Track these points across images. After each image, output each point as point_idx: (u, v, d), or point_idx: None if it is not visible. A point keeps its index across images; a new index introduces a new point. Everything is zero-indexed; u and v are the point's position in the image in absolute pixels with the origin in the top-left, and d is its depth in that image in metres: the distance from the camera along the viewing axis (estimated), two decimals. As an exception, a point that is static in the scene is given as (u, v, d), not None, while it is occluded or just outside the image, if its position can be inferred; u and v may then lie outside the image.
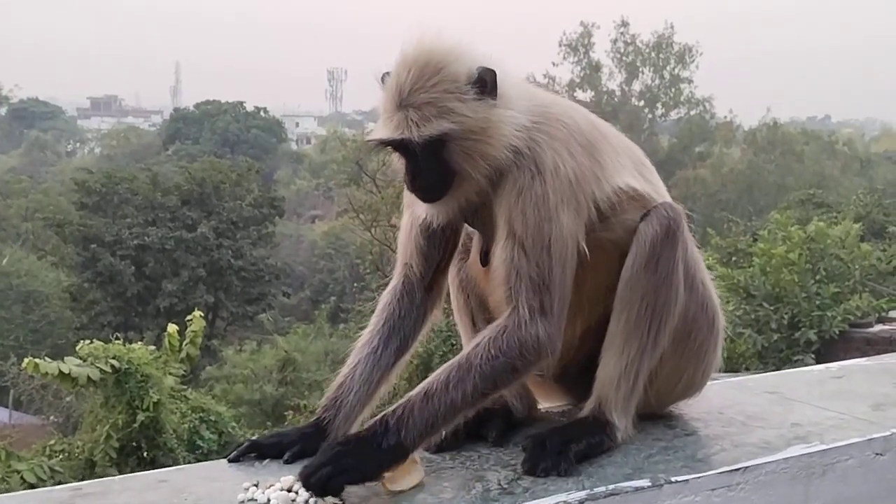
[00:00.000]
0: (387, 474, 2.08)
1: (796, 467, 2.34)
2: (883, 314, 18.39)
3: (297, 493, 2.05)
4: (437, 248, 2.45)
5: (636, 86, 52.94)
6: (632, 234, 2.37)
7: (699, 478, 2.20)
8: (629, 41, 52.23)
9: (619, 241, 2.37)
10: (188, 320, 18.41)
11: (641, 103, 52.94)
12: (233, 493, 2.06)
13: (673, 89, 52.98)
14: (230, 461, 2.28)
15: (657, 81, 52.99)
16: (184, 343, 18.26)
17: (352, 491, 2.04)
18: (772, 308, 17.67)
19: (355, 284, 32.31)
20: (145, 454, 15.96)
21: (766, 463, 2.29)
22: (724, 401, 2.73)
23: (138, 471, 15.09)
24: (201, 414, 19.38)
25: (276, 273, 38.13)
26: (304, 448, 2.28)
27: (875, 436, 2.48)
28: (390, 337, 2.44)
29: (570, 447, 2.23)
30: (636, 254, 2.34)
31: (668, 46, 52.32)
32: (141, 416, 15.63)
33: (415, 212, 2.43)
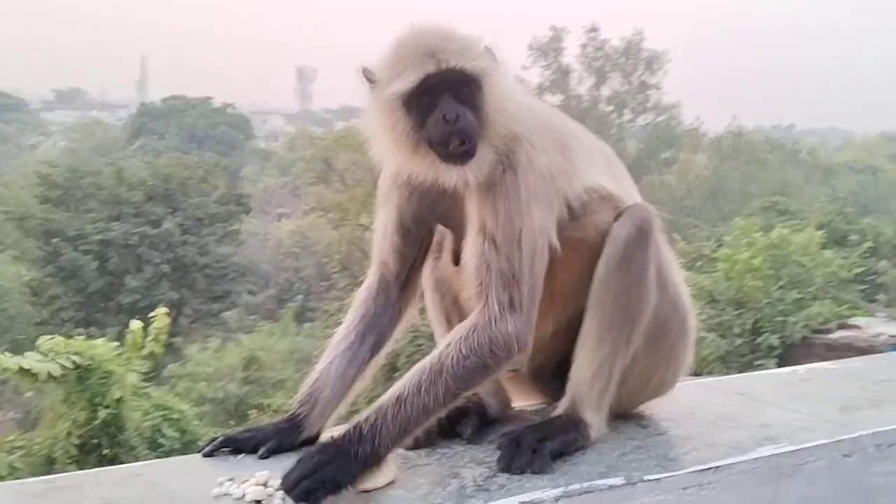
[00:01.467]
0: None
1: (765, 467, 2.37)
2: (844, 321, 18.67)
3: (272, 487, 2.05)
4: (413, 245, 2.46)
5: (605, 91, 53.26)
6: (603, 235, 2.39)
7: (671, 477, 2.23)
8: (599, 46, 52.54)
9: (590, 241, 2.39)
10: (152, 317, 18.24)
11: (610, 108, 53.24)
12: (207, 487, 2.05)
13: (641, 95, 53.36)
14: (204, 455, 2.27)
15: (625, 87, 53.33)
16: (147, 340, 18.09)
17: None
18: (735, 313, 17.88)
19: (322, 283, 32.17)
20: (106, 452, 15.79)
21: (736, 463, 2.32)
22: (694, 401, 2.76)
23: (100, 468, 14.94)
24: (164, 412, 19.20)
25: (241, 271, 37.89)
26: (278, 443, 2.28)
27: (842, 437, 2.52)
28: (366, 333, 2.44)
29: (545, 445, 2.25)
30: (609, 254, 2.36)
31: (636, 53, 52.69)
32: (102, 413, 15.47)
33: (390, 206, 2.43)
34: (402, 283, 2.48)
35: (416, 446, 2.34)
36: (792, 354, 18.17)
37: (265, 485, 2.05)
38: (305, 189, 39.54)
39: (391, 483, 2.11)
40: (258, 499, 2.01)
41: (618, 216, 2.40)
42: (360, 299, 2.48)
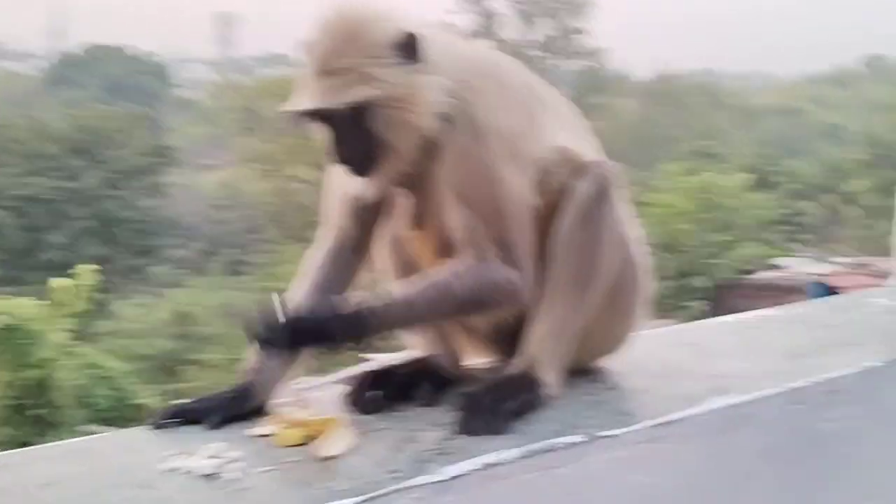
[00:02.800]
0: (316, 441, 2.04)
1: (718, 419, 2.38)
2: (769, 261, 19.16)
3: (222, 459, 1.98)
4: (370, 209, 2.38)
5: (531, 36, 53.15)
6: (563, 194, 2.35)
7: (629, 432, 2.22)
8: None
9: (550, 202, 2.34)
10: (76, 274, 17.80)
11: (538, 53, 53.22)
12: (156, 461, 1.98)
13: (568, 40, 53.42)
14: (153, 427, 2.19)
15: (553, 32, 53.31)
16: (74, 297, 17.69)
17: (282, 457, 1.99)
18: (664, 256, 18.20)
19: (251, 236, 31.80)
20: (36, 412, 15.51)
21: (689, 416, 2.33)
22: (644, 353, 2.74)
23: (30, 429, 14.58)
24: (95, 370, 18.90)
25: (168, 224, 37.27)
26: (227, 412, 2.21)
27: (792, 386, 2.55)
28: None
29: (503, 405, 2.22)
30: (569, 212, 2.32)
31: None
32: (30, 374, 15.18)
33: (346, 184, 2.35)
34: (356, 246, 2.41)
35: (370, 411, 2.29)
36: (720, 296, 18.61)
37: (217, 456, 1.98)
38: (232, 139, 38.85)
39: (349, 450, 2.06)
40: (210, 471, 1.94)
41: (577, 173, 2.35)
42: (313, 265, 2.41)
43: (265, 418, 2.21)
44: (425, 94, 2.18)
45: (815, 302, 3.80)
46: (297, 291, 2.40)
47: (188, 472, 1.93)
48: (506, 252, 2.21)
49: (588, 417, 2.29)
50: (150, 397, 19.14)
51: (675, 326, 3.28)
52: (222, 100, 45.73)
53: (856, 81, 65.88)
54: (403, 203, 2.43)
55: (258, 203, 30.33)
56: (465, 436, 2.15)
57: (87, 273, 17.43)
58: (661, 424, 2.27)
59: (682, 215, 19.66)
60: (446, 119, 2.20)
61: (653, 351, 2.81)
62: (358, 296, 2.21)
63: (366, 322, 2.11)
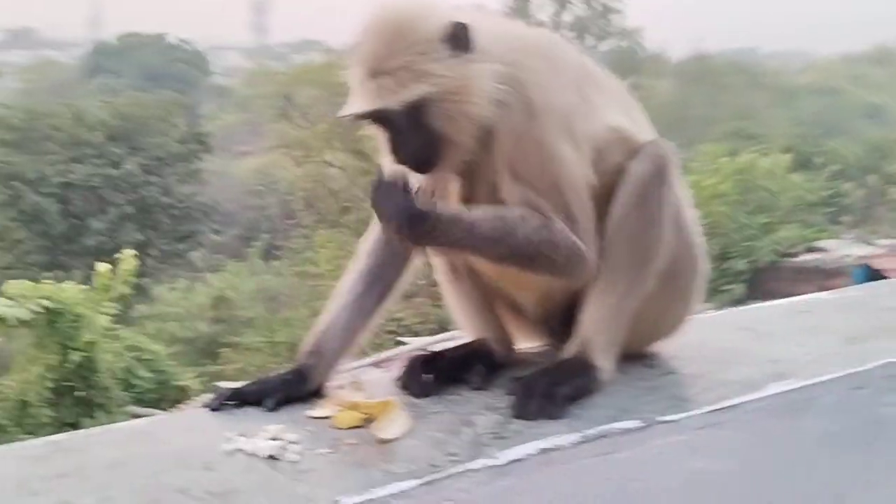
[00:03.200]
0: (376, 425, 2.04)
1: (778, 404, 2.35)
2: (811, 244, 18.89)
3: (284, 440, 1.99)
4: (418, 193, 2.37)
5: (566, 16, 52.71)
6: (618, 175, 2.32)
7: (687, 417, 2.20)
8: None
9: (606, 183, 2.31)
10: (119, 259, 18.02)
11: (572, 34, 52.77)
12: (218, 442, 1.99)
13: (603, 20, 52.92)
14: (212, 409, 2.20)
15: (588, 12, 52.84)
16: (116, 282, 17.90)
17: (341, 439, 1.99)
18: (705, 239, 18.04)
19: (288, 222, 31.91)
20: (80, 394, 15.74)
21: (749, 401, 2.30)
22: (699, 337, 2.71)
23: (74, 410, 14.81)
24: (136, 353, 19.15)
25: (205, 210, 37.51)
26: (285, 395, 2.21)
27: (853, 370, 2.50)
28: (372, 284, 2.36)
29: (558, 390, 2.20)
30: (625, 193, 2.29)
31: (593, -18, 52.09)
32: (74, 356, 15.40)
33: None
34: None
35: (424, 394, 2.29)
36: (760, 279, 18.40)
37: (277, 438, 1.99)
38: (267, 126, 38.98)
39: (406, 433, 2.06)
40: (271, 453, 1.95)
41: (634, 154, 2.32)
42: (366, 249, 2.41)
43: (322, 400, 2.22)
44: (479, 84, 2.15)
45: (868, 285, 3.74)
46: (348, 276, 2.40)
47: (249, 454, 1.94)
48: (571, 225, 2.19)
49: (644, 403, 2.27)
50: (190, 379, 19.33)
51: (730, 310, 3.25)
52: (257, 87, 45.87)
53: (893, 60, 64.63)
54: (452, 185, 2.42)
55: (293, 189, 30.34)
56: (520, 420, 2.14)
57: (128, 258, 17.64)
58: (719, 410, 2.25)
59: (720, 197, 19.40)
60: (501, 104, 2.17)
61: (708, 335, 2.78)
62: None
63: (430, 221, 2.07)
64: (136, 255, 17.97)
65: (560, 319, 2.48)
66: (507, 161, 2.19)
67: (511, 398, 2.21)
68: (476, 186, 2.28)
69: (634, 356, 2.54)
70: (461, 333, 2.58)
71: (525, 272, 2.24)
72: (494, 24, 2.29)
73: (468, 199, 2.29)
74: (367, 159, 25.76)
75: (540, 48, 2.28)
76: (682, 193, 2.40)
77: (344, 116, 2.21)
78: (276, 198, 39.85)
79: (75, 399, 15.59)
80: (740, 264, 18.76)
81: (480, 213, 2.15)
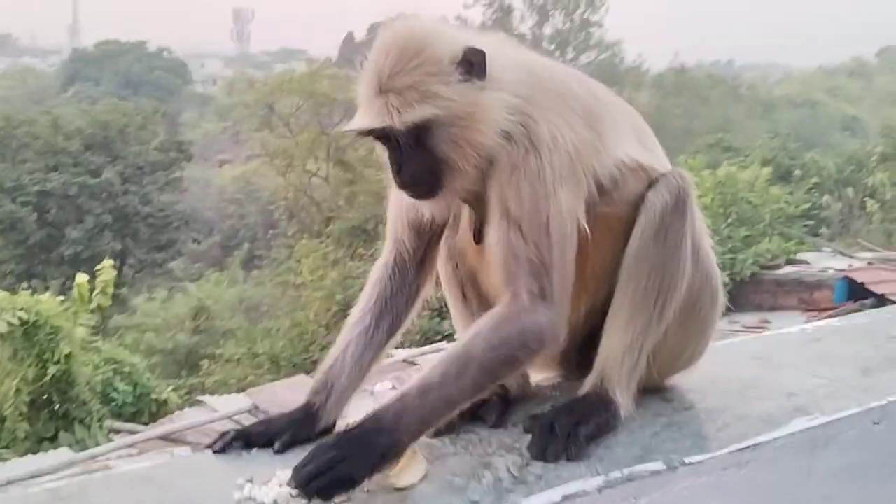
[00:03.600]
0: (391, 472, 1.95)
1: (800, 441, 2.28)
2: (791, 256, 18.94)
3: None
4: (430, 223, 2.29)
5: (547, 29, 52.92)
6: (635, 207, 2.25)
7: (712, 458, 2.13)
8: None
9: (622, 216, 2.25)
10: (98, 269, 17.81)
11: (552, 47, 52.90)
12: (226, 490, 1.89)
13: (583, 33, 53.14)
14: (215, 452, 2.11)
15: (567, 25, 53.05)
16: (94, 293, 17.68)
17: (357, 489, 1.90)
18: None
19: (270, 231, 31.75)
20: (58, 408, 15.52)
21: (774, 439, 2.23)
22: (713, 368, 2.65)
23: (52, 424, 14.56)
24: (115, 365, 18.91)
25: (185, 219, 37.21)
26: (294, 436, 2.12)
27: (873, 405, 2.44)
28: (382, 315, 2.28)
29: (580, 429, 2.12)
30: (644, 225, 2.23)
31: (573, -5, 52.31)
32: (52, 369, 15.19)
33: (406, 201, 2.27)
34: (419, 260, 2.32)
35: (437, 433, 2.20)
36: (742, 291, 18.42)
37: (290, 484, 1.90)
38: (247, 134, 38.80)
39: (423, 478, 1.98)
40: (283, 502, 1.86)
41: (651, 184, 2.26)
42: (374, 278, 2.32)
43: (333, 442, 2.13)
44: (488, 112, 2.08)
45: (873, 312, 3.69)
46: (357, 307, 2.32)
47: (264, 503, 1.85)
48: (540, 280, 2.06)
49: (665, 441, 2.19)
50: (170, 392, 19.12)
51: (739, 338, 3.18)
52: (238, 95, 45.69)
53: (870, 73, 65.31)
54: (464, 216, 2.35)
55: (274, 198, 30.25)
56: (540, 461, 2.06)
57: (106, 269, 17.43)
58: (744, 449, 2.18)
59: (703, 210, 19.24)
60: (508, 136, 2.10)
61: (721, 366, 2.71)
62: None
63: (380, 438, 1.90)
64: (114, 265, 17.79)
65: (575, 351, 2.41)
66: (500, 194, 2.10)
67: (530, 437, 2.13)
68: (484, 216, 2.21)
69: (650, 390, 2.47)
70: (447, 345, 2.50)
71: (497, 382, 2.13)
72: (510, 52, 2.22)
73: (480, 229, 2.23)
74: (351, 170, 25.75)
75: (552, 82, 2.20)
76: (700, 224, 2.34)
77: (347, 131, 2.14)
78: (256, 207, 39.67)
79: (53, 413, 15.37)
80: (723, 277, 18.65)
81: (424, 373, 2.01)
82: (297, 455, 2.06)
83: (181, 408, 16.43)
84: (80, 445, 13.62)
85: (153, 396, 18.86)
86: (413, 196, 2.14)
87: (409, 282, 2.31)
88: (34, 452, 12.00)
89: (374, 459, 1.89)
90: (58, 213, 32.90)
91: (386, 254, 2.33)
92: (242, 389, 16.43)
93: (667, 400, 2.46)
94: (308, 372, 18.27)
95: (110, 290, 18.13)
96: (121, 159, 34.71)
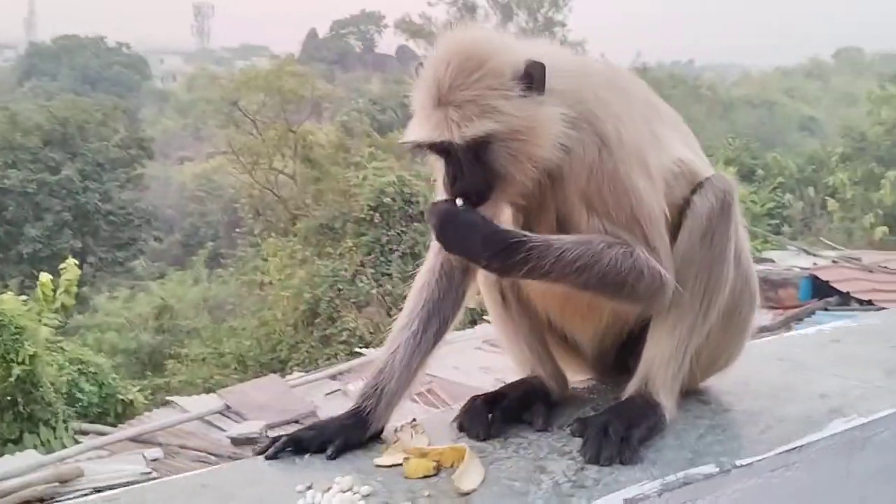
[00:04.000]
0: (454, 476, 1.95)
1: (840, 442, 2.31)
2: (758, 255, 19.19)
3: (358, 493, 1.89)
4: None
5: (511, 28, 53.05)
6: (680, 210, 2.27)
7: (761, 460, 2.14)
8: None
9: (670, 217, 2.27)
10: (62, 268, 17.55)
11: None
12: (287, 497, 1.88)
13: (547, 32, 53.39)
14: (267, 458, 2.08)
15: (531, 24, 53.27)
16: (58, 292, 17.44)
17: (418, 490, 1.90)
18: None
19: (236, 230, 31.46)
20: (22, 409, 15.29)
21: (817, 440, 2.26)
22: (741, 370, 2.67)
23: (16, 426, 14.35)
24: (80, 366, 18.66)
25: (146, 217, 36.75)
26: (346, 441, 2.11)
27: (905, 405, 2.49)
28: (429, 319, 2.27)
29: (633, 433, 2.13)
30: (691, 228, 2.24)
31: (539, -4, 52.58)
32: (16, 370, 14.97)
33: None
34: (465, 265, 2.31)
35: (486, 437, 2.20)
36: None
37: (350, 490, 1.89)
38: (210, 131, 38.42)
39: (483, 482, 1.97)
40: (347, 508, 1.84)
41: (696, 188, 2.27)
42: (421, 283, 2.31)
43: (386, 446, 2.12)
44: (548, 127, 2.08)
45: (881, 314, 3.76)
46: (404, 311, 2.31)
47: (328, 511, 1.83)
48: (652, 253, 2.13)
49: (712, 444, 2.21)
50: (135, 393, 18.90)
51: (760, 340, 3.21)
52: (199, 91, 45.25)
53: (827, 74, 66.38)
54: (510, 219, 2.35)
55: (239, 196, 29.99)
56: (595, 465, 2.06)
57: (71, 268, 17.18)
58: (791, 450, 2.20)
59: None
60: (569, 146, 2.10)
61: (748, 367, 2.73)
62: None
63: (514, 247, 2.00)
64: (76, 264, 17.54)
65: (615, 354, 2.42)
66: (581, 195, 2.12)
67: (582, 441, 2.14)
68: (534, 219, 2.21)
69: (686, 392, 2.48)
70: (517, 370, 2.50)
71: (608, 299, 2.18)
72: (561, 58, 2.22)
73: (525, 229, 2.22)
74: (318, 167, 25.61)
75: (610, 82, 2.22)
76: (741, 227, 2.36)
77: (404, 143, 2.12)
78: (219, 205, 39.31)
79: (17, 415, 15.12)
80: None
81: (567, 240, 2.07)
82: (350, 461, 2.06)
83: (148, 408, 16.25)
84: (46, 447, 13.42)
85: (119, 397, 18.62)
86: (468, 204, 2.09)
87: (456, 286, 2.30)
88: (-1, 455, 11.80)
89: (502, 253, 2.01)
90: (16, 210, 32.34)
91: (432, 258, 2.32)
92: (209, 389, 16.30)
93: (704, 402, 2.48)
94: (276, 371, 18.17)
95: (74, 289, 17.89)
96: (80, 156, 34.21)
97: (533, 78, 2.05)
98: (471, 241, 2.00)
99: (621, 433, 2.12)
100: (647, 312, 2.26)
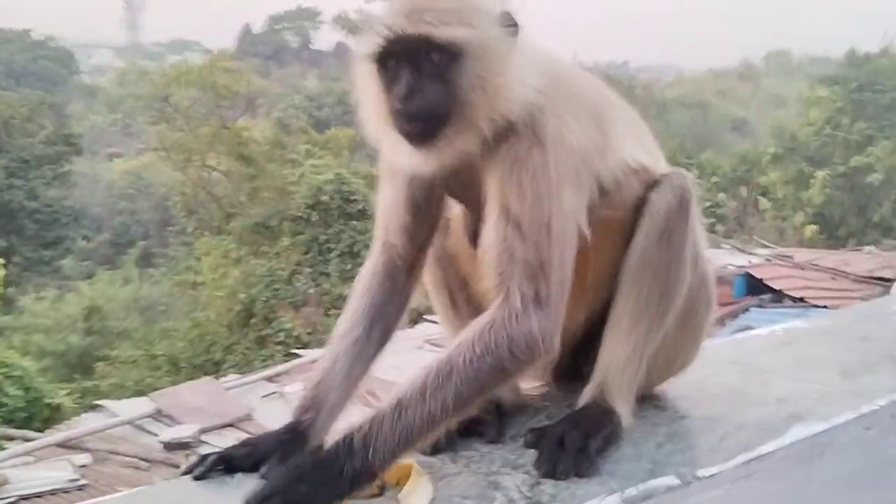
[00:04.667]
0: (401, 495, 1.80)
1: (801, 449, 2.23)
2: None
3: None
4: (423, 224, 2.13)
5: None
6: (635, 210, 2.15)
7: (722, 471, 2.04)
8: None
9: (622, 219, 2.15)
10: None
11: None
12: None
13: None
14: (196, 478, 1.91)
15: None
16: (-19, 293, 16.87)
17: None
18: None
19: (168, 228, 30.81)
20: (-56, 414, 14.76)
21: (776, 449, 2.17)
22: (696, 373, 2.57)
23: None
24: (5, 369, 18.10)
25: (74, 215, 35.78)
26: (282, 457, 1.94)
27: (864, 410, 2.41)
28: (372, 325, 2.11)
29: (590, 443, 2.01)
30: (648, 227, 2.13)
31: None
32: (-64, 374, 14.43)
33: (397, 179, 2.10)
34: (410, 265, 2.16)
35: (435, 451, 2.06)
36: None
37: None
38: (141, 127, 37.58)
39: (432, 501, 1.83)
40: (284, 533, 1.68)
41: (653, 185, 2.16)
42: (363, 285, 2.15)
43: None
44: (521, 72, 1.93)
45: (832, 313, 3.71)
46: (344, 317, 2.15)
47: (261, 537, 1.67)
48: (536, 282, 1.90)
49: (672, 453, 2.10)
50: (63, 397, 18.37)
51: (710, 342, 3.11)
52: (129, 86, 44.24)
53: (758, 76, 67.72)
54: (456, 218, 2.21)
55: (171, 193, 29.35)
56: (550, 479, 1.94)
57: (-5, 267, 16.64)
58: (752, 460, 2.10)
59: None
60: (516, 119, 1.94)
61: (701, 370, 2.63)
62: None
63: (350, 462, 1.75)
64: (2, 264, 17.00)
65: (569, 359, 2.29)
66: (499, 189, 1.94)
67: (536, 454, 2.01)
68: (481, 218, 2.07)
69: (641, 398, 2.37)
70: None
71: (484, 396, 1.93)
72: (533, 43, 2.09)
73: (476, 232, 2.08)
74: (253, 164, 25.18)
75: (567, 79, 2.09)
76: (699, 225, 2.26)
77: (370, 43, 1.91)
78: (150, 203, 38.51)
79: (-62, 419, 14.60)
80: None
81: (400, 387, 1.85)
82: (288, 479, 1.89)
83: (77, 413, 15.79)
84: (-32, 454, 12.94)
85: (46, 401, 18.11)
86: (415, 135, 1.92)
87: (400, 289, 2.16)
88: (-81, 462, 11.31)
89: (340, 485, 1.75)
90: (-63, 208, 31.25)
91: (374, 259, 2.17)
92: (141, 392, 15.89)
93: (661, 408, 2.38)
94: (210, 374, 17.79)
95: (0, 289, 17.31)
96: (5, 153, 33.19)
97: (512, 22, 1.94)
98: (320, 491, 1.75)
99: (577, 444, 2.00)
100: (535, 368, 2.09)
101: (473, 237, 2.10)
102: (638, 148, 2.21)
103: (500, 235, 1.94)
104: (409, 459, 1.91)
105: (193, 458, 1.99)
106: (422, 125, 1.90)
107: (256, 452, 1.95)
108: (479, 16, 1.91)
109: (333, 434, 1.99)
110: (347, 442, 1.78)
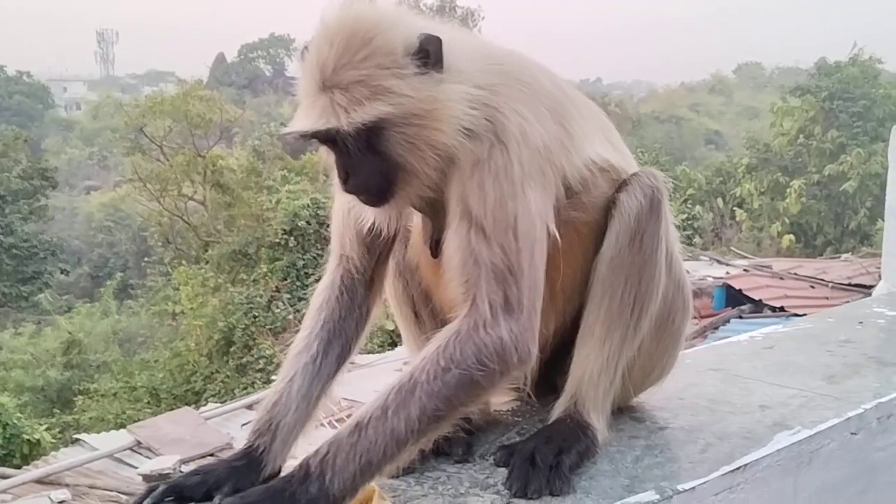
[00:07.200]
0: None
1: (786, 458, 2.13)
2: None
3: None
4: (380, 235, 2.03)
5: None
6: (604, 212, 2.05)
7: (703, 484, 1.94)
8: (412, 4, 52.29)
9: (591, 221, 2.05)
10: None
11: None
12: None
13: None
14: (144, 511, 1.78)
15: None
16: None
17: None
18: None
19: (146, 259, 30.52)
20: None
21: (761, 458, 2.07)
22: (675, 383, 2.47)
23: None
24: (-19, 406, 17.79)
25: (51, 249, 35.41)
26: (237, 485, 1.82)
27: (850, 415, 2.32)
28: (330, 342, 2.00)
29: (563, 459, 1.90)
30: (618, 230, 2.02)
31: (451, 10, 52.76)
32: (-85, 413, 14.17)
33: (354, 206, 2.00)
34: (369, 279, 2.05)
35: (398, 473, 1.94)
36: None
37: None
38: (117, 159, 37.36)
39: (395, 528, 1.71)
40: (234, 568, 1.56)
41: (622, 186, 2.06)
42: (320, 301, 2.03)
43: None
44: (448, 108, 1.82)
45: (810, 318, 3.63)
46: (300, 335, 2.03)
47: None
48: (505, 287, 1.79)
49: (651, 467, 2.00)
50: (42, 432, 18.05)
51: (689, 350, 3.02)
52: (104, 119, 44.03)
53: (729, 89, 68.24)
54: (417, 228, 2.10)
55: (148, 224, 29.08)
56: (522, 499, 1.83)
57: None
58: (734, 471, 2.00)
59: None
60: (470, 132, 1.85)
61: (681, 379, 2.54)
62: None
63: (307, 488, 1.66)
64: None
65: (541, 372, 2.18)
66: (460, 193, 1.84)
67: (506, 472, 1.89)
68: (443, 225, 1.96)
69: (618, 409, 2.27)
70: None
71: (455, 412, 1.79)
72: (470, 40, 2.00)
73: (438, 241, 1.97)
74: (229, 192, 25.01)
75: (520, 73, 1.98)
76: (671, 226, 2.16)
77: (287, 134, 1.84)
78: (128, 234, 38.23)
79: (-87, 459, 14.33)
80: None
81: (361, 409, 1.75)
82: (243, 508, 1.77)
83: (56, 448, 15.53)
84: (-55, 494, 12.67)
85: (25, 437, 17.82)
86: (365, 203, 1.88)
87: (359, 303, 2.04)
88: None
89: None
90: (-90, 245, 30.84)
91: (331, 273, 2.06)
92: (122, 425, 15.64)
93: (638, 420, 2.28)
94: (190, 404, 17.53)
95: (-27, 326, 17.05)
96: (-20, 188, 32.86)
97: (429, 54, 1.80)
98: None
99: (550, 461, 1.89)
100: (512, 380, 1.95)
101: (435, 246, 1.99)
102: (604, 144, 2.11)
103: (462, 240, 1.83)
104: (371, 483, 1.79)
105: (141, 490, 1.85)
106: (367, 197, 1.86)
107: (209, 481, 1.83)
108: (392, 68, 1.79)
109: (294, 459, 1.88)
110: (304, 467, 1.67)
